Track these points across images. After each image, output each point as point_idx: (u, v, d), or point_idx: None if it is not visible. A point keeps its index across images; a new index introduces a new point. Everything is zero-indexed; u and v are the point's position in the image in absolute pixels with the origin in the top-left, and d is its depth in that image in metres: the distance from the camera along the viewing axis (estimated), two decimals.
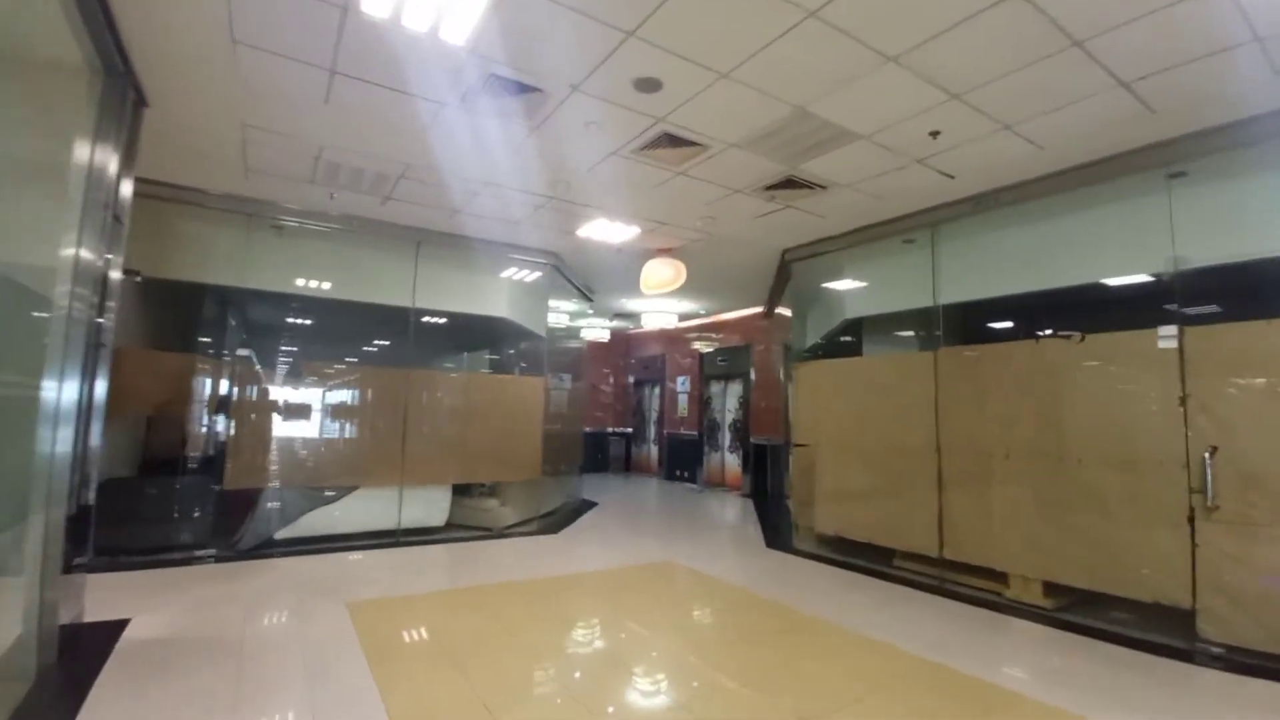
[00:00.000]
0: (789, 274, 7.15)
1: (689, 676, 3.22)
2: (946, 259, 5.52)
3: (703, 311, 11.18)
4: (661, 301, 10.23)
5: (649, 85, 3.47)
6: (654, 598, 4.65)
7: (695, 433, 12.01)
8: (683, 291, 9.36)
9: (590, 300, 9.64)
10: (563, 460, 8.81)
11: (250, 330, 7.35)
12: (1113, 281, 4.66)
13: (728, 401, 11.95)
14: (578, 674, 3.22)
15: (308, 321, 7.19)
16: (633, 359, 14.27)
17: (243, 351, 6.36)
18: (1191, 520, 3.93)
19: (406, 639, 3.62)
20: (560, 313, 9.37)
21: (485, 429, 6.79)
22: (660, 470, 12.87)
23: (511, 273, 7.49)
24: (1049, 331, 5.00)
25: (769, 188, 5.06)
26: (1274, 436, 3.65)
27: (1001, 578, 4.84)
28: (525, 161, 4.60)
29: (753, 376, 10.83)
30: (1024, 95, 3.56)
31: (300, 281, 6.15)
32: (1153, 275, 4.32)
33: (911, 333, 6.33)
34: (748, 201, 5.39)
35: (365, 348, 7.89)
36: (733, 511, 9.00)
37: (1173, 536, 3.98)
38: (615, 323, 12.68)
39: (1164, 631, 3.96)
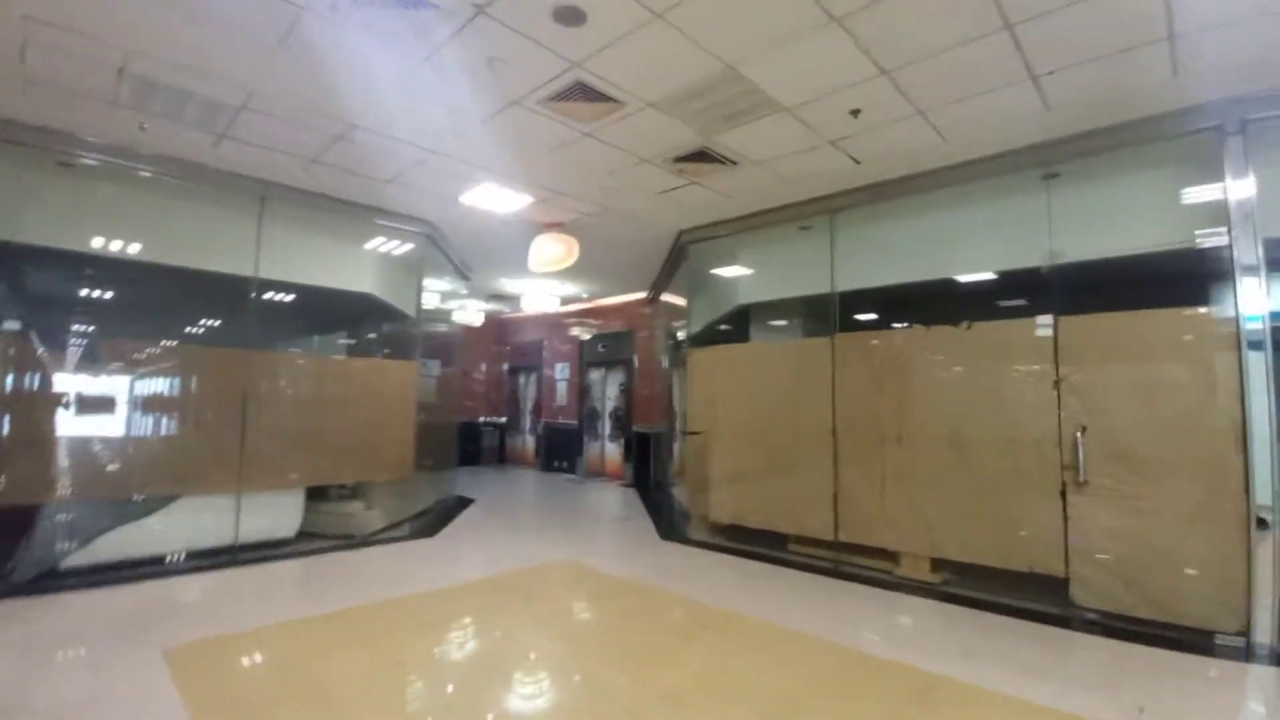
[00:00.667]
0: (684, 256, 6.95)
1: (629, 700, 2.83)
2: (844, 246, 5.58)
3: (585, 295, 10.77)
4: (544, 283, 9.66)
5: (571, 16, 2.98)
6: (558, 605, 4.21)
7: (574, 422, 11.60)
8: (568, 273, 8.88)
9: (467, 279, 8.83)
10: (436, 455, 7.98)
11: (26, 300, 5.74)
12: (985, 276, 4.95)
13: (608, 389, 11.67)
14: (490, 717, 2.70)
15: (110, 292, 5.77)
16: (508, 344, 13.51)
17: (11, 325, 4.92)
18: (1064, 494, 4.25)
19: (252, 695, 2.80)
20: (432, 292, 8.48)
21: (347, 421, 5.87)
22: (538, 461, 12.31)
23: (379, 243, 6.56)
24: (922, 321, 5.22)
25: (679, 159, 4.76)
26: (1136, 417, 4.00)
27: (892, 557, 5.00)
28: (409, 101, 3.88)
29: (635, 363, 10.62)
30: (946, 79, 3.55)
31: (99, 240, 4.86)
32: (1032, 268, 4.61)
33: (799, 320, 6.41)
34: (654, 174, 5.05)
35: (192, 327, 6.54)
36: (618, 502, 8.72)
37: (1047, 509, 4.28)
38: (491, 305, 11.86)
39: (1041, 600, 4.25)
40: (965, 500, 4.65)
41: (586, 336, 11.67)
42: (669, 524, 6.89)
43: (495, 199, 5.69)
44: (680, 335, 8.76)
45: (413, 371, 6.50)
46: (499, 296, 10.93)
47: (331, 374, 6.16)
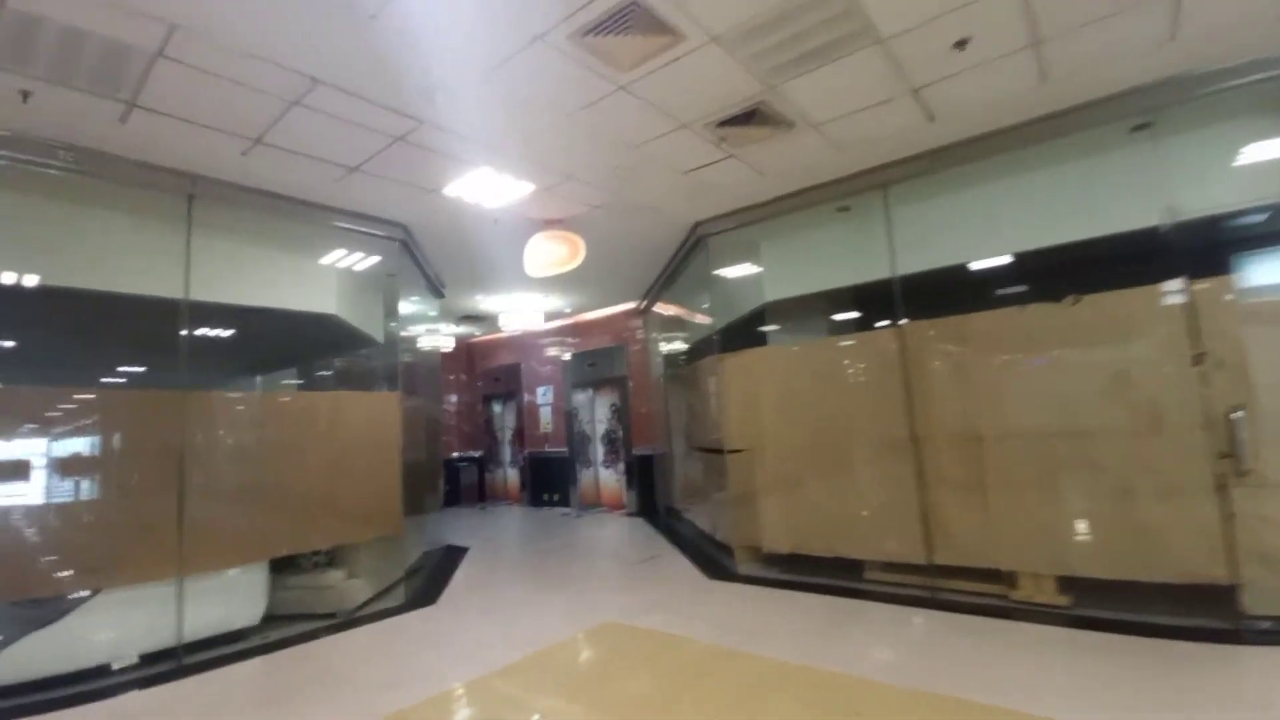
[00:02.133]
0: (699, 251, 6.10)
1: None
2: (902, 224, 4.84)
3: (568, 310, 9.80)
4: (527, 297, 8.65)
5: None
6: (646, 691, 3.19)
7: (563, 449, 10.54)
8: (557, 282, 7.92)
9: (440, 296, 7.75)
10: (422, 500, 6.84)
11: None
12: (1073, 243, 4.28)
13: (597, 411, 10.67)
14: None
15: None
16: (480, 371, 12.35)
17: None
18: (1223, 487, 3.56)
19: None
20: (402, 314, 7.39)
21: (316, 470, 4.72)
22: (524, 496, 11.16)
23: (340, 255, 5.47)
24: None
25: (724, 123, 3.92)
26: None
27: (1006, 578, 4.21)
28: (391, 41, 2.91)
29: (629, 381, 9.68)
30: None
31: None
32: (1144, 229, 3.95)
33: (834, 318, 5.66)
34: (687, 145, 4.20)
35: (108, 367, 5.27)
36: (631, 536, 7.72)
37: (1200, 506, 3.58)
38: (461, 328, 10.74)
39: (1200, 613, 3.53)
40: (1093, 505, 3.91)
41: (569, 356, 10.67)
42: (708, 559, 5.94)
43: (488, 189, 4.72)
44: (676, 345, 7.91)
45: (395, 404, 5.39)
46: (471, 318, 9.83)
47: (293, 413, 5.00)
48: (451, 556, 6.87)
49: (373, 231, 5.34)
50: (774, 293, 5.84)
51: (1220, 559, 3.52)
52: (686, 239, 6.16)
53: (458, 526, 9.02)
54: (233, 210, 4.50)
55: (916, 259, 4.74)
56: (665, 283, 7.75)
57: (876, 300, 5.22)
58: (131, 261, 4.21)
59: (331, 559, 4.94)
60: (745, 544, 5.51)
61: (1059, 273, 4.32)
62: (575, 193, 4.95)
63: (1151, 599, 3.74)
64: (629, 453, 9.54)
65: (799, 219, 5.46)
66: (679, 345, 8.10)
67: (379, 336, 6.37)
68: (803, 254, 5.70)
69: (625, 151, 4.26)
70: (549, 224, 5.45)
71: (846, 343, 5.14)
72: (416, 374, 7.76)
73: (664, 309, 8.99)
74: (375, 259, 5.74)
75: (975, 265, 4.62)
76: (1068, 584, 4.02)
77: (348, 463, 4.92)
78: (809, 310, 5.84)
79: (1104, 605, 3.85)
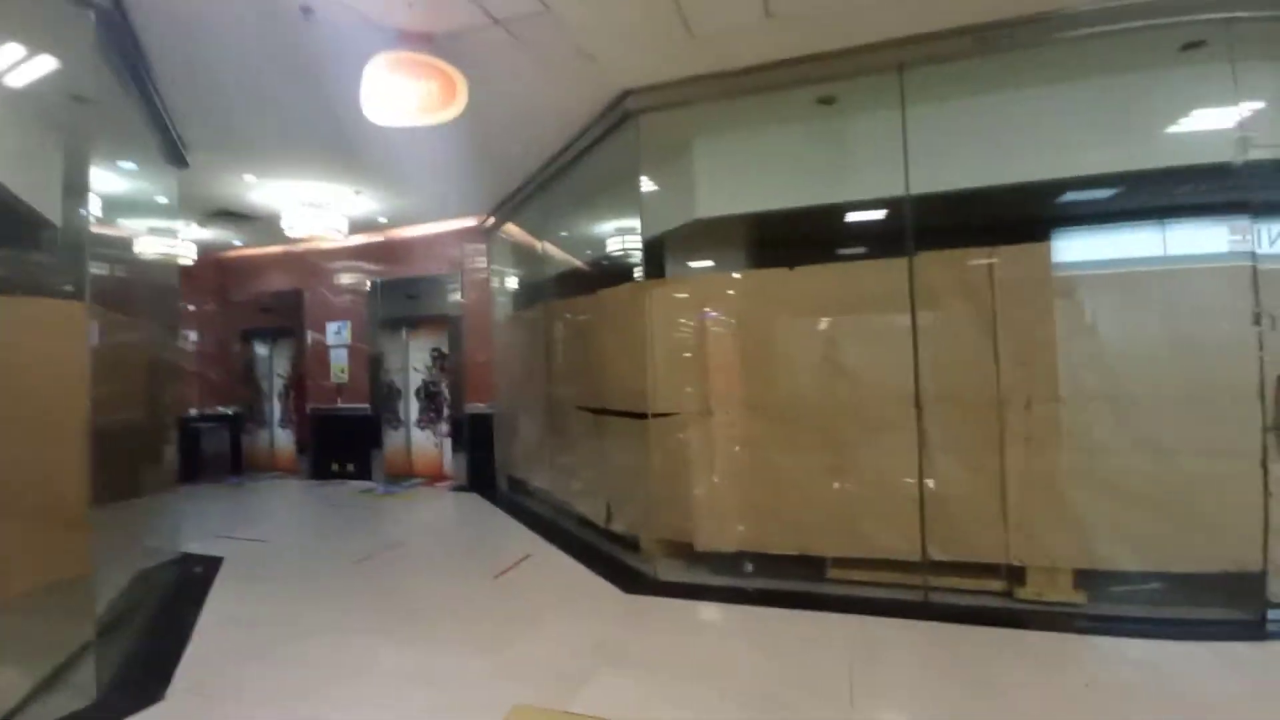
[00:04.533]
0: (625, 133, 4.36)
1: None
2: (919, 127, 3.69)
3: (383, 219, 7.27)
4: (326, 191, 6.03)
5: None
6: None
7: (365, 406, 8.06)
8: (377, 172, 5.54)
9: (181, 165, 4.88)
10: (138, 479, 4.24)
11: None
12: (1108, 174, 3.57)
13: (413, 357, 8.36)
14: None
15: None
16: (238, 298, 9.01)
17: None
18: (1264, 463, 3.08)
19: None
20: (101, 191, 4.50)
21: None
22: (302, 466, 8.41)
23: None
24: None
25: None
26: None
27: (1010, 573, 3.43)
28: None
29: (463, 320, 7.57)
30: None
31: None
32: (1212, 164, 3.28)
33: (799, 245, 4.45)
34: None
35: None
36: (473, 521, 5.86)
37: (1245, 485, 3.07)
38: (211, 232, 7.48)
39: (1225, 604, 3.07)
40: (1133, 483, 3.24)
41: (372, 284, 8.10)
42: (604, 559, 4.43)
43: None
44: (539, 272, 6.12)
45: (77, 321, 2.87)
46: (230, 215, 6.78)
47: None
48: (191, 576, 4.39)
49: None
50: (714, 206, 4.40)
51: (1258, 543, 3.06)
52: (604, 114, 4.37)
53: (201, 517, 6.21)
54: None
55: (934, 175, 3.65)
56: (539, 187, 5.84)
57: (864, 227, 4.11)
58: None
59: None
60: (666, 538, 4.12)
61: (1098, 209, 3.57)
62: None
63: (1169, 591, 3.23)
64: (458, 410, 7.51)
65: (765, 106, 4.08)
66: (543, 273, 6.28)
67: (54, 217, 3.60)
68: (756, 158, 4.34)
69: None
70: (409, 39, 3.29)
71: (830, 272, 3.90)
72: (134, 292, 4.91)
73: (515, 232, 7.06)
74: (43, 61, 3.03)
75: (1005, 186, 3.67)
76: (1082, 578, 3.37)
77: None
78: (757, 235, 4.56)
79: (1118, 601, 3.26)
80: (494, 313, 7.34)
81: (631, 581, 3.97)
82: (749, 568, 3.89)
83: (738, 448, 3.90)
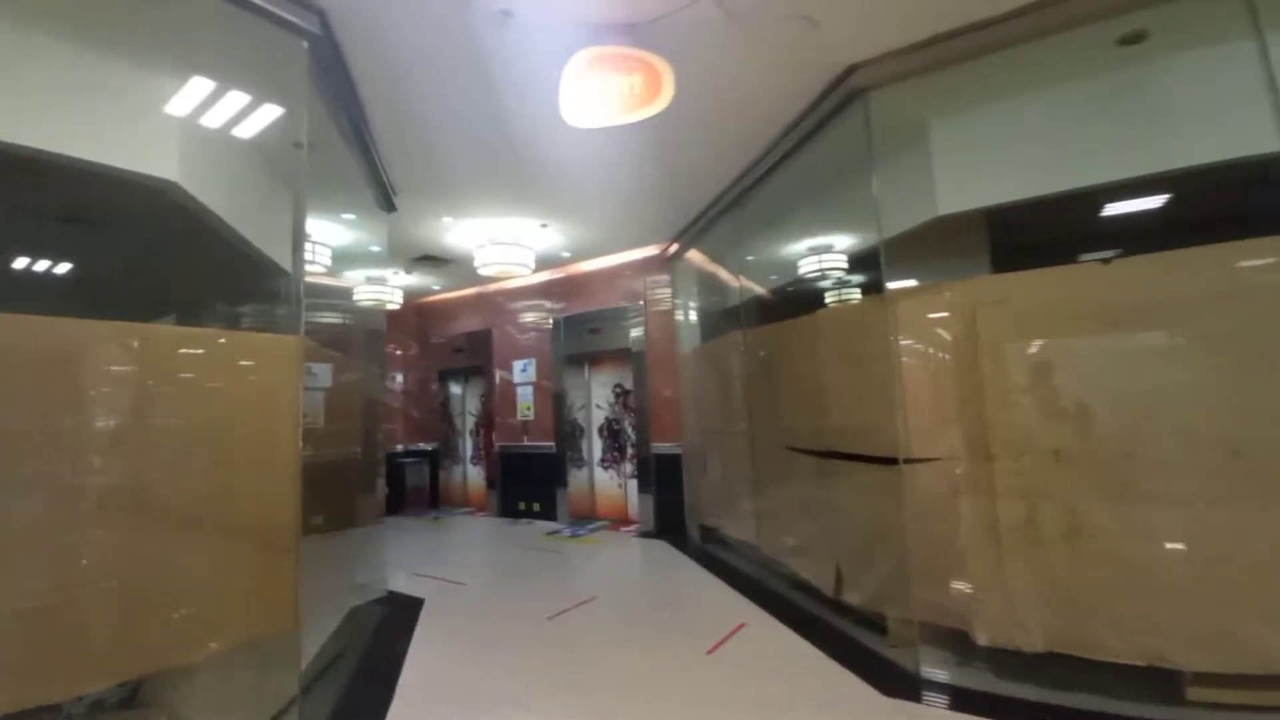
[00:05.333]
0: (851, 116, 3.65)
1: None
2: None
3: (566, 253, 7.22)
4: (519, 226, 6.03)
5: None
6: None
7: (549, 444, 7.98)
8: (561, 206, 5.37)
9: (390, 209, 5.06)
10: (354, 510, 4.28)
11: None
12: None
13: (595, 393, 8.16)
14: None
15: None
16: (435, 340, 9.59)
17: None
18: None
19: None
20: (325, 240, 4.78)
21: (98, 507, 2.08)
22: (492, 503, 8.53)
23: (193, 87, 2.82)
24: None
25: None
26: None
27: None
28: None
29: (645, 353, 7.20)
30: None
31: None
32: None
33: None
34: None
35: None
36: (670, 576, 5.28)
37: None
38: (415, 277, 7.98)
39: None
40: None
41: (553, 321, 8.08)
42: (837, 638, 3.56)
43: None
44: (733, 298, 5.49)
45: (294, 352, 2.75)
46: (430, 259, 7.12)
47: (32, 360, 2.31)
48: (394, 622, 4.26)
49: (277, 22, 2.67)
50: (956, 199, 3.50)
51: None
52: (822, 97, 3.71)
53: (403, 551, 6.35)
54: None
55: None
56: (732, 203, 5.30)
57: (1191, 203, 2.99)
58: None
59: (135, 695, 2.29)
60: (928, 621, 3.17)
61: None
62: None
63: None
64: (643, 450, 7.09)
65: (1034, 62, 3.16)
66: (736, 299, 5.67)
67: (285, 262, 3.72)
68: (1015, 133, 3.39)
69: None
70: (609, 32, 2.92)
71: (1192, 263, 2.77)
72: (352, 337, 5.13)
73: (701, 259, 6.57)
74: (267, 108, 3.08)
75: None
76: None
77: (187, 480, 2.28)
78: (1004, 234, 3.59)
79: None
80: (679, 345, 6.87)
81: (883, 676, 3.07)
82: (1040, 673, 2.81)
83: (1036, 505, 2.87)
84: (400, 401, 9.42)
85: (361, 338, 5.36)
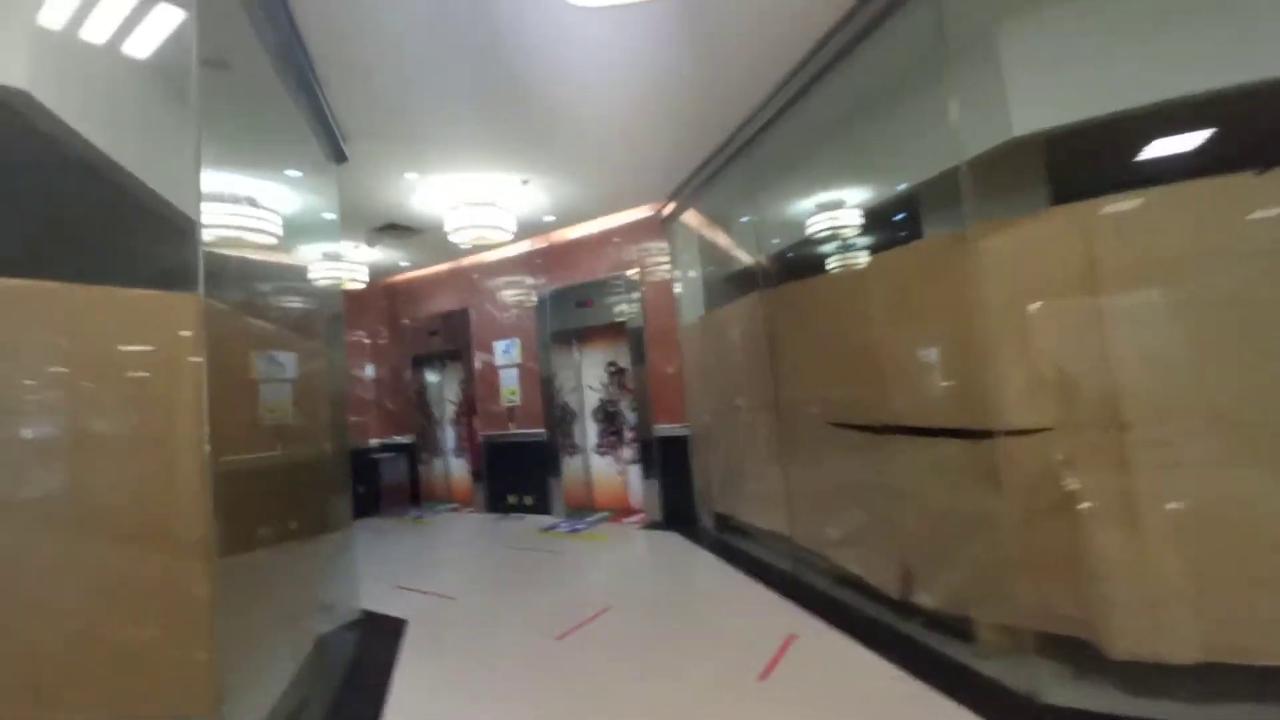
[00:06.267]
0: (932, 8, 2.96)
1: None
2: None
3: (551, 217, 6.44)
4: (486, 183, 5.24)
5: None
6: None
7: (539, 430, 7.26)
8: (544, 158, 4.62)
9: (343, 159, 4.24)
10: (322, 514, 3.56)
11: None
12: None
13: (586, 373, 7.46)
14: None
15: None
16: (407, 323, 8.75)
17: None
18: None
19: None
20: (272, 205, 3.99)
21: None
22: (478, 496, 7.81)
23: None
24: None
25: None
26: None
27: None
28: None
29: (644, 327, 6.50)
30: None
31: None
32: None
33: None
34: None
35: None
36: (691, 576, 4.65)
37: None
38: (379, 251, 7.13)
39: None
40: None
41: (537, 298, 7.32)
42: (909, 648, 2.96)
43: None
44: (749, 254, 4.82)
45: (190, 317, 1.98)
46: (393, 229, 6.29)
47: None
48: (371, 654, 3.56)
49: None
50: (1034, 116, 2.86)
51: None
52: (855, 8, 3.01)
53: (382, 559, 5.63)
54: None
55: None
56: (739, 150, 4.59)
57: None
58: None
59: None
60: (1041, 629, 2.56)
61: None
62: None
63: None
64: (645, 432, 6.42)
65: None
66: (749, 258, 5.00)
67: (188, 208, 2.93)
68: (1104, 33, 2.75)
69: None
70: None
71: None
72: (312, 323, 4.38)
73: (703, 218, 5.87)
74: (169, 12, 2.30)
75: None
76: None
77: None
78: (1068, 161, 2.99)
79: None
80: (680, 316, 6.18)
81: (988, 700, 2.47)
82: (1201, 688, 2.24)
83: (1187, 486, 2.27)
84: (372, 392, 8.60)
85: (322, 322, 4.59)
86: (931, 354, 2.90)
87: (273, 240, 4.28)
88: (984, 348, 2.59)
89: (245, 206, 4.12)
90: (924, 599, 3.08)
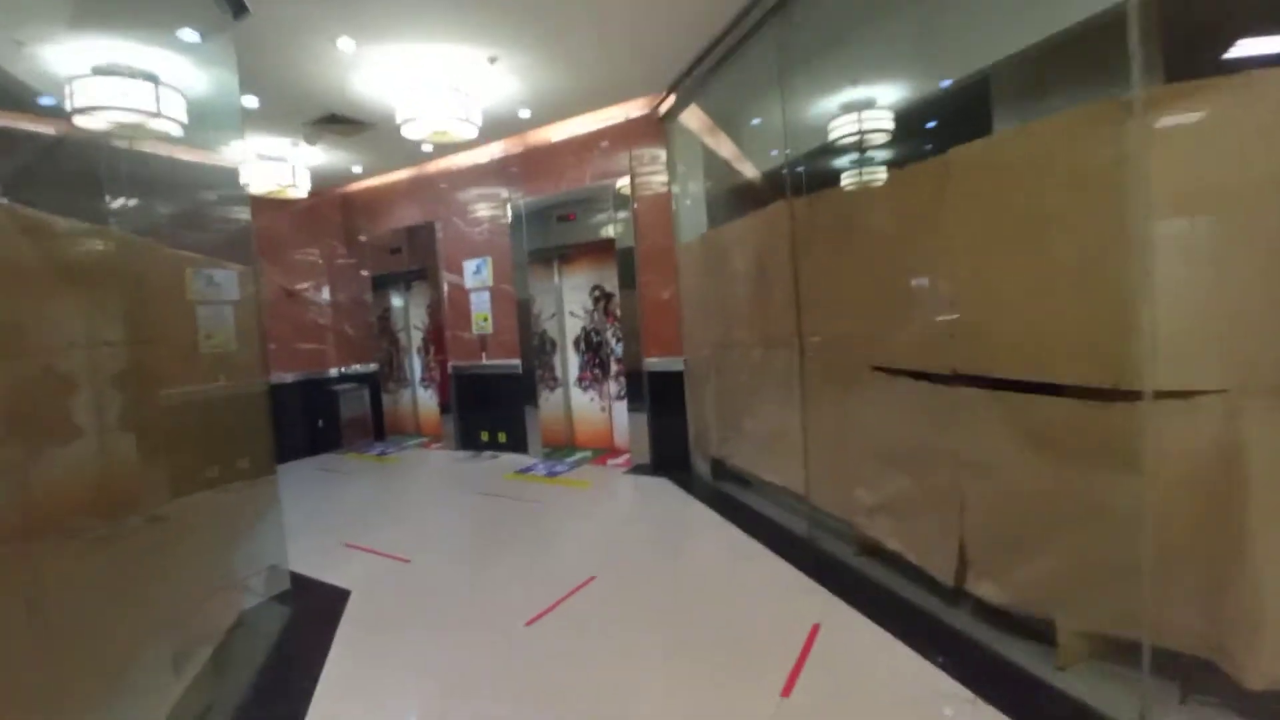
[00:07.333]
0: None
1: None
2: None
3: (526, 112, 5.41)
4: (445, 58, 4.20)
5: None
6: None
7: (514, 361, 6.49)
8: (508, 31, 3.58)
9: (241, 10, 3.19)
10: (201, 478, 2.82)
11: None
12: None
13: (568, 297, 6.63)
14: None
15: None
16: (366, 240, 7.73)
17: None
18: None
19: None
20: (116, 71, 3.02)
21: None
22: (446, 432, 7.11)
23: None
24: None
25: None
26: None
27: None
28: None
29: (635, 245, 5.63)
30: None
31: None
32: None
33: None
34: None
35: None
36: (685, 529, 4.03)
37: None
38: (322, 151, 6.04)
39: None
40: None
41: (524, 201, 6.35)
42: (995, 666, 2.36)
43: None
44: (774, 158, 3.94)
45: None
46: (335, 122, 5.22)
47: None
48: (297, 639, 2.91)
49: None
50: None
51: None
52: None
53: (331, 508, 4.97)
54: None
55: None
56: (756, 25, 3.61)
57: None
58: None
59: None
60: (1179, 649, 1.94)
61: None
62: None
63: None
64: (633, 364, 5.68)
65: None
66: (772, 161, 4.11)
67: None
68: None
69: None
70: None
71: None
72: (244, 238, 3.49)
73: (708, 115, 4.90)
74: None
75: None
76: None
77: None
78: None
79: None
80: (679, 234, 5.31)
81: None
82: None
83: None
84: (329, 317, 7.70)
85: (246, 235, 3.69)
86: (1042, 282, 2.12)
87: (173, 127, 3.35)
88: (1138, 272, 1.82)
89: (123, 80, 3.15)
90: (988, 591, 2.46)
